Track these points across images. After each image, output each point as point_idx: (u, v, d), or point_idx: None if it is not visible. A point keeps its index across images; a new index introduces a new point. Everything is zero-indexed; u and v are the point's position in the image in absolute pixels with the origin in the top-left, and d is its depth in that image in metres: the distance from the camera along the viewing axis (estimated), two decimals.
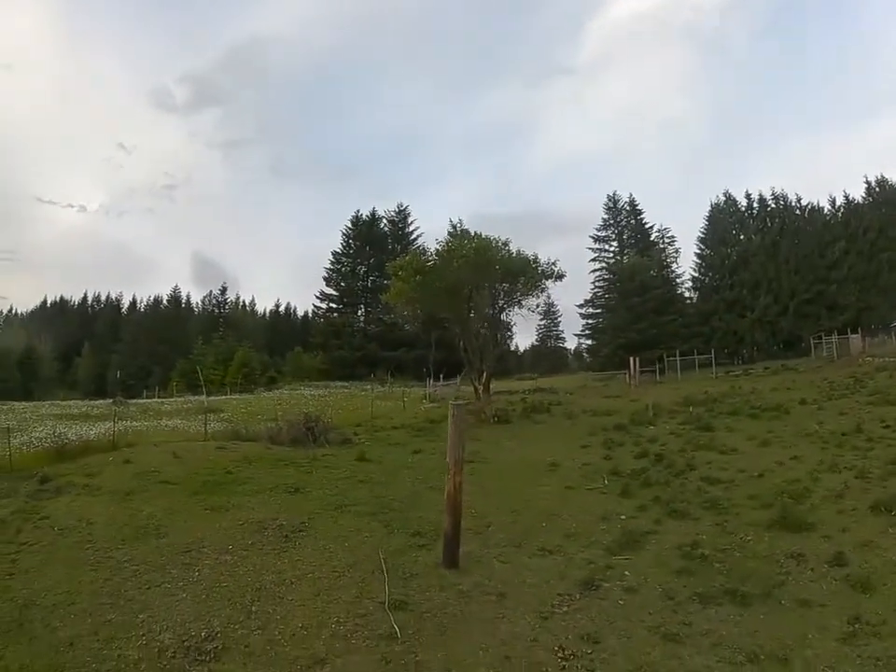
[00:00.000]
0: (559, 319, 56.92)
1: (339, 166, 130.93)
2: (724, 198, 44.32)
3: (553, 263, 18.00)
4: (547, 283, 18.14)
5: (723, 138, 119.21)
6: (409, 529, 6.32)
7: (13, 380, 46.35)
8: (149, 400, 30.27)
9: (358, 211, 54.11)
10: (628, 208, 47.04)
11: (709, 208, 44.96)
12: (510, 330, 52.55)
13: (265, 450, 11.04)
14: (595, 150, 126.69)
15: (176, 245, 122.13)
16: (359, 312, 53.24)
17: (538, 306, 19.54)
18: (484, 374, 18.01)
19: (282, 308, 70.19)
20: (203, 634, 4.08)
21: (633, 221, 46.81)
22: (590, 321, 46.72)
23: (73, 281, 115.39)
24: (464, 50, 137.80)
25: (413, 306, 19.26)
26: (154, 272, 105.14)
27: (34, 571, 5.13)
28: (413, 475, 8.88)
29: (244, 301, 72.02)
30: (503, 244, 17.51)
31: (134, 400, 29.47)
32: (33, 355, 54.22)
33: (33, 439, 11.87)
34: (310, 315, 61.94)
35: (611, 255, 46.87)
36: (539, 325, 56.64)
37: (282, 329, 64.46)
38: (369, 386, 30.32)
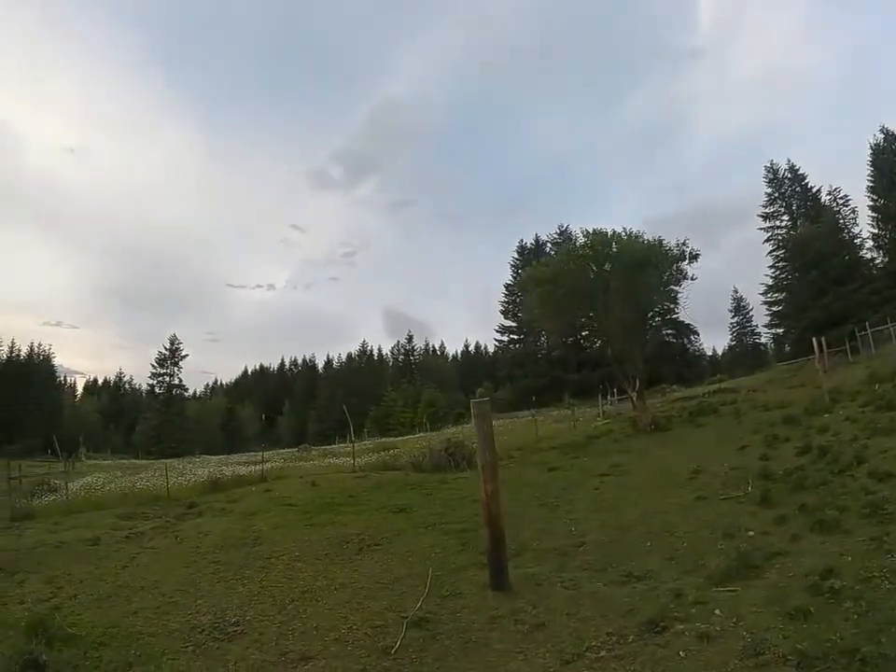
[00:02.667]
0: (751, 314, 57.76)
1: (502, 201, 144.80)
2: (884, 136, 41.69)
3: (684, 243, 17.96)
4: (683, 267, 18.15)
5: (862, 76, 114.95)
6: (484, 547, 6.34)
7: (217, 439, 60.81)
8: (335, 446, 36.82)
9: (522, 240, 59.23)
10: (790, 176, 46.24)
11: (870, 152, 42.16)
12: (692, 333, 49.19)
13: (403, 476, 13.13)
14: (747, 125, 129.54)
15: (365, 304, 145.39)
16: (541, 339, 56.88)
17: (679, 295, 19.33)
18: (637, 381, 17.79)
19: (471, 347, 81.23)
20: (233, 619, 4.91)
21: (798, 189, 46.11)
22: (774, 308, 46.34)
23: (270, 350, 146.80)
24: (590, 64, 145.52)
25: (551, 320, 19.89)
26: (346, 331, 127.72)
27: (142, 566, 6.98)
28: (531, 493, 9.42)
29: (433, 347, 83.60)
30: (628, 235, 17.60)
31: (320, 447, 35.94)
32: (235, 417, 70.33)
33: (197, 476, 15.89)
34: (492, 350, 68.85)
35: (784, 230, 45.91)
36: (731, 323, 59.27)
37: (472, 368, 73.35)
38: (556, 412, 31.70)
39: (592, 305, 17.92)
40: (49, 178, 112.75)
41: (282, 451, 35.24)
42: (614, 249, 17.30)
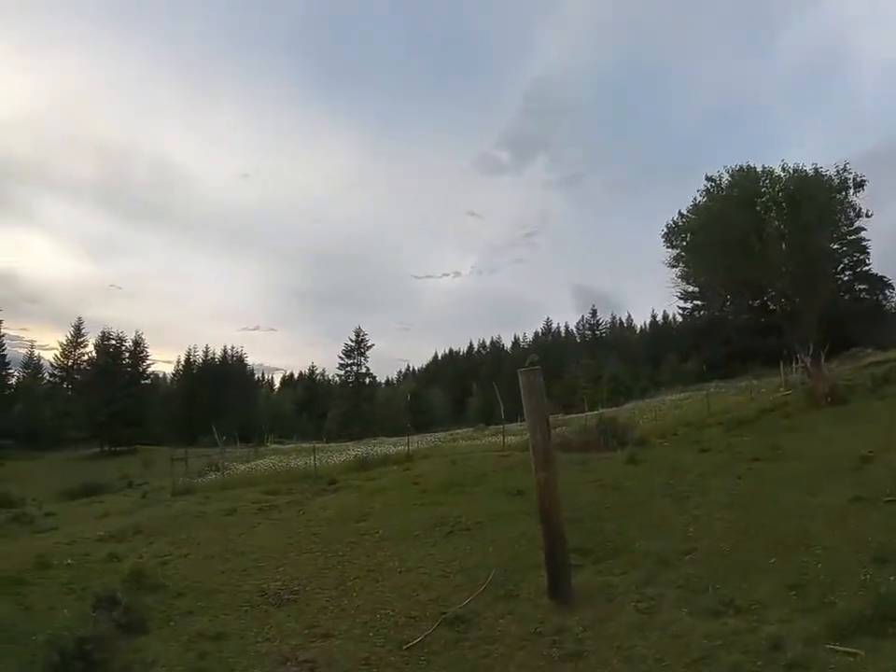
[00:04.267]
0: None
1: (672, 162, 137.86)
2: None
3: (844, 168, 15.31)
4: (847, 196, 15.55)
5: None
6: (579, 542, 5.98)
7: (404, 422, 66.92)
8: (513, 424, 38.39)
9: (695, 199, 54.59)
10: None
11: None
12: (887, 288, 43.81)
13: None
14: None
15: (552, 283, 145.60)
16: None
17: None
18: (811, 345, 15.97)
19: (659, 318, 78.78)
20: (295, 588, 5.53)
21: None
22: None
23: (459, 335, 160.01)
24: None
25: (705, 276, 17.61)
26: (535, 312, 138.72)
27: (256, 534, 8.18)
28: (664, 479, 8.93)
29: (619, 320, 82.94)
30: (784, 171, 15.33)
31: (496, 426, 37.64)
32: (422, 401, 76.50)
33: (348, 456, 17.82)
34: (676, 318, 66.81)
35: None
36: None
37: (660, 339, 72.30)
38: (743, 383, 29.97)
39: (747, 255, 15.46)
40: (229, 203, 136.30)
41: (457, 431, 37.39)
42: (762, 187, 15.17)
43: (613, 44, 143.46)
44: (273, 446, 33.81)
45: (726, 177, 16.21)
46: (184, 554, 7.05)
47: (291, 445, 35.02)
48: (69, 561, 6.26)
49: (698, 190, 17.94)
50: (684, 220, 16.75)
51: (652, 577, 5.03)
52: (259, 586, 5.69)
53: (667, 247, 17.08)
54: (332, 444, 33.57)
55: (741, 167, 16.11)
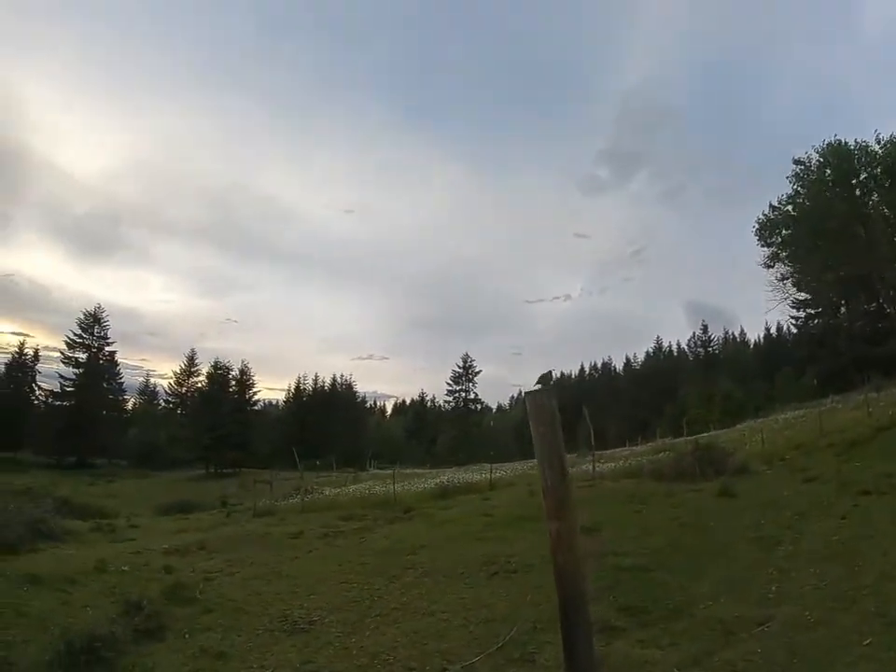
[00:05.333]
0: None
1: (775, 163, 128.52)
2: None
3: None
4: None
5: None
6: (632, 597, 5.61)
7: (512, 447, 67.93)
8: (619, 449, 38.04)
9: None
10: None
11: None
12: None
13: (633, 486, 12.91)
14: None
15: (663, 300, 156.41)
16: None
17: None
18: None
19: (772, 330, 78.51)
20: (314, 619, 5.76)
21: None
22: None
23: (571, 357, 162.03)
24: None
25: (804, 273, 15.88)
26: (647, 330, 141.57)
27: (309, 559, 8.71)
28: (758, 517, 8.45)
29: (731, 334, 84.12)
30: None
31: (601, 451, 36.74)
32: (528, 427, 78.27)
33: (431, 483, 18.11)
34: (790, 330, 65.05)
35: None
36: None
37: (775, 353, 72.60)
38: (861, 397, 27.96)
39: (850, 245, 13.63)
40: (335, 238, 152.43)
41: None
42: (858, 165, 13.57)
43: (696, 47, 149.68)
44: (374, 471, 35.31)
45: (815, 158, 14.62)
46: (232, 573, 7.68)
47: (390, 471, 36.56)
48: (124, 568, 7.13)
49: (787, 177, 15.90)
50: (777, 213, 15.29)
51: (707, 654, 4.37)
52: (283, 611, 6.01)
53: (762, 245, 15.66)
54: (432, 471, 34.47)
55: (830, 143, 14.49)
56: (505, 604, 6.00)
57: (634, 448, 32.41)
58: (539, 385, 4.07)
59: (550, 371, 4.15)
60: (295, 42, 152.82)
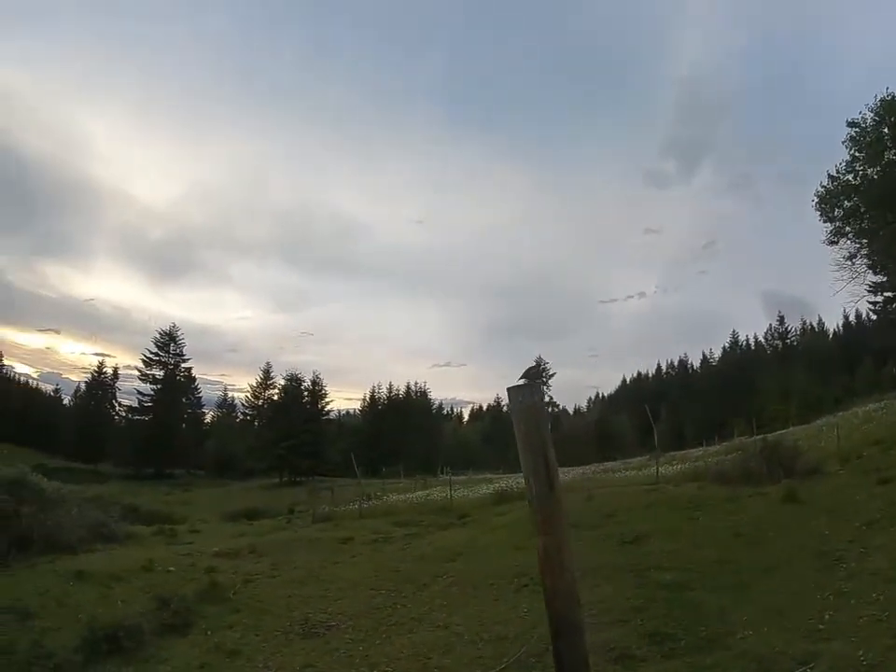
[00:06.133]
0: None
1: (836, 143, 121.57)
2: None
3: None
4: None
5: None
6: (662, 622, 5.20)
7: (590, 450, 66.83)
8: (693, 450, 36.96)
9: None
10: None
11: None
12: None
13: (694, 490, 12.11)
14: None
15: (740, 292, 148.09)
16: None
17: None
18: None
19: (852, 318, 75.36)
20: (332, 624, 6.00)
21: None
22: None
23: (648, 356, 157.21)
24: None
25: (881, 247, 14.24)
26: (723, 324, 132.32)
27: (350, 564, 9.01)
28: (822, 527, 7.78)
29: (809, 325, 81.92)
30: None
31: (673, 452, 35.54)
32: (607, 428, 78.61)
33: (489, 489, 18.16)
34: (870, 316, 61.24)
35: None
36: None
37: (856, 343, 69.72)
38: None
39: None
40: (407, 248, 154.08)
41: (630, 461, 37.37)
42: None
43: (750, 28, 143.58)
44: (444, 477, 35.68)
45: (870, 117, 13.29)
46: (273, 575, 8.09)
47: (464, 477, 36.66)
48: (170, 568, 7.69)
49: (842, 142, 14.24)
50: (836, 183, 14.02)
51: None
52: (306, 614, 6.30)
53: (823, 221, 14.40)
54: (504, 476, 34.42)
55: (884, 99, 13.12)
56: (522, 621, 5.84)
57: (708, 448, 31.26)
58: (524, 381, 3.62)
59: (537, 364, 3.67)
60: (350, 56, 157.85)
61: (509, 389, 3.57)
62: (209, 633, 5.56)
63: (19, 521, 7.14)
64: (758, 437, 21.88)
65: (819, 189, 14.18)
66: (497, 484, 19.68)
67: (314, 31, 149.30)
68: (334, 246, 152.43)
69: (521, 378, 3.62)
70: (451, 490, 17.25)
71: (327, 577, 8.02)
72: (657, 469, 16.02)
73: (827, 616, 4.87)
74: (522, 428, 3.37)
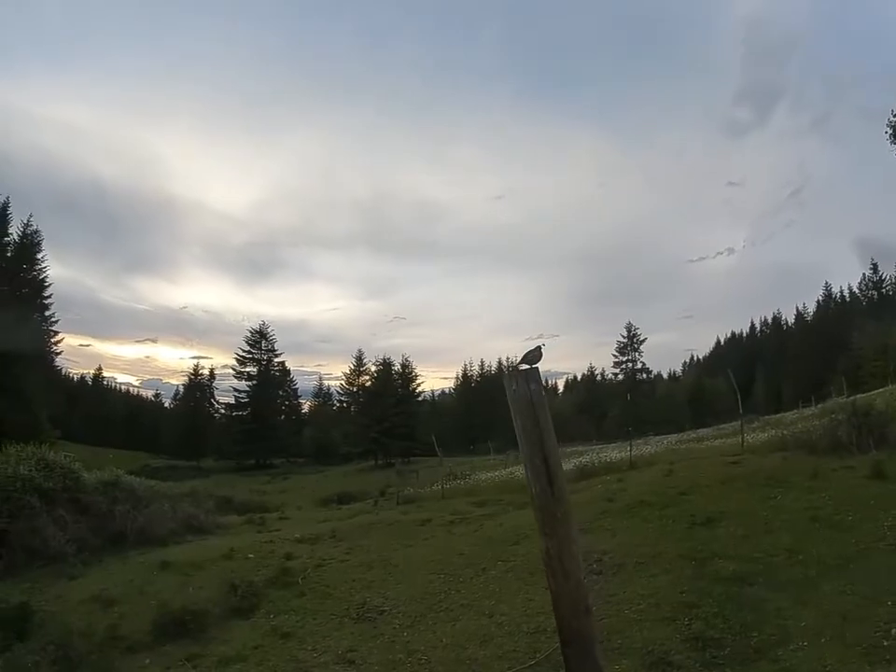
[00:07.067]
0: None
1: None
2: None
3: None
4: None
5: None
6: (708, 624, 4.83)
7: (685, 416, 66.00)
8: (788, 413, 34.64)
9: None
10: None
11: None
12: None
13: (779, 462, 11.24)
14: None
15: (831, 240, 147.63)
16: None
17: None
18: None
19: None
20: (385, 609, 6.30)
21: None
22: None
23: (742, 315, 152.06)
24: None
25: None
26: (818, 276, 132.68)
27: (421, 547, 9.30)
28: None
29: None
30: None
31: (765, 417, 33.59)
32: (702, 392, 75.50)
33: (574, 464, 17.82)
34: None
35: None
36: None
37: None
38: None
39: None
40: (489, 226, 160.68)
41: (723, 426, 34.94)
42: None
43: None
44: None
45: None
46: (345, 559, 8.55)
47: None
48: (250, 555, 8.34)
49: None
50: None
51: None
52: (365, 598, 6.62)
53: None
54: (595, 447, 33.90)
55: None
56: (533, 618, 5.69)
57: (803, 411, 28.96)
58: (525, 366, 3.44)
59: (539, 347, 3.58)
60: (407, 41, 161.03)
61: (505, 377, 3.45)
62: (271, 616, 6.07)
63: (113, 519, 8.01)
64: (849, 399, 20.16)
65: (892, 118, 12.73)
66: (584, 458, 19.35)
67: (367, 21, 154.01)
68: (417, 230, 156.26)
69: (520, 362, 3.47)
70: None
71: (395, 560, 8.33)
72: (742, 438, 15.08)
73: (894, 631, 4.20)
74: (518, 420, 3.23)
